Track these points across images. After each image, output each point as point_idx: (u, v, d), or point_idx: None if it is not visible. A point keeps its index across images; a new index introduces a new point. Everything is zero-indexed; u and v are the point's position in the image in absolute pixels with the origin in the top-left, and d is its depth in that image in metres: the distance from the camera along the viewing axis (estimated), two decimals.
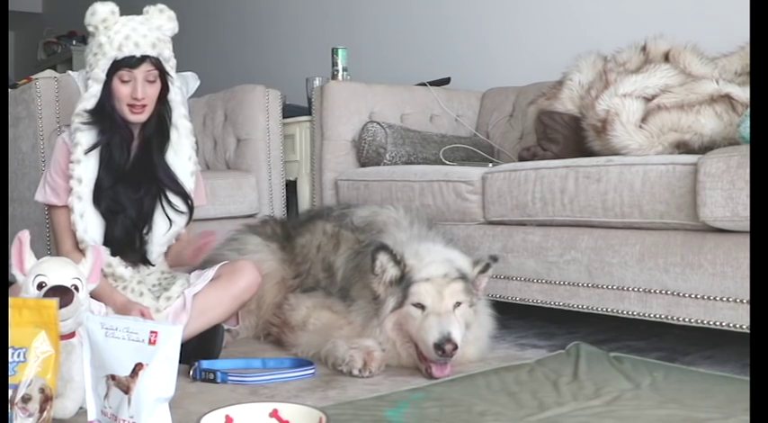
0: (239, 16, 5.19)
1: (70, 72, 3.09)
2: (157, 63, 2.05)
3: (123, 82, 2.03)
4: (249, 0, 5.10)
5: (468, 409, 1.67)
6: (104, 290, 1.98)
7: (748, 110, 2.05)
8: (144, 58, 2.02)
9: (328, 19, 4.50)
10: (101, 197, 2.06)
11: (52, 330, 1.49)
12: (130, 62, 2.01)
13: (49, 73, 3.10)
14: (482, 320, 2.15)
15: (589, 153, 2.42)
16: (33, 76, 2.99)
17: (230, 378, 1.89)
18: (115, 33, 2.01)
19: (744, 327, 1.88)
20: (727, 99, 2.24)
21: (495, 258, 2.14)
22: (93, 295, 1.83)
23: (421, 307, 1.99)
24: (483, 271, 2.11)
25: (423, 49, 3.95)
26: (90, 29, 2.04)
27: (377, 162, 3.01)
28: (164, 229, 2.14)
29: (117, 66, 2.02)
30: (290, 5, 4.79)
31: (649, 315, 2.07)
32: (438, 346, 1.90)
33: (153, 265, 2.17)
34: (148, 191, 2.11)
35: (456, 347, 1.91)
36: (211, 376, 1.90)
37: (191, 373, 1.92)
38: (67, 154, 2.08)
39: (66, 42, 6.98)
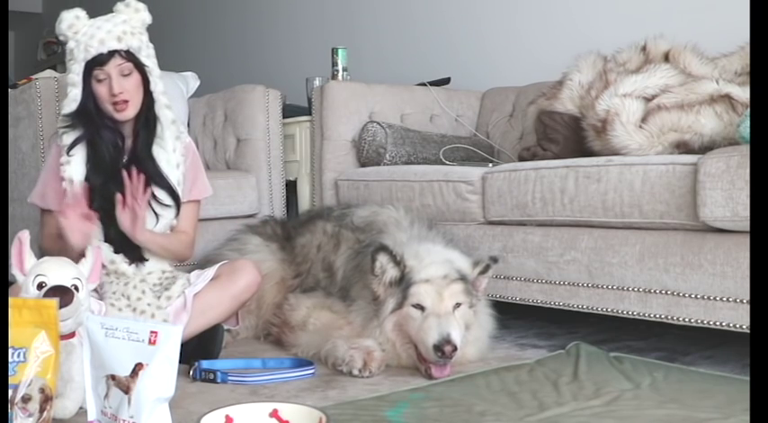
0: (239, 16, 5.19)
1: None
2: (128, 55, 2.05)
3: (99, 81, 2.04)
4: (249, 0, 5.10)
5: (468, 409, 1.67)
6: None
7: (748, 110, 2.05)
8: (112, 53, 2.02)
9: (328, 19, 4.50)
10: (92, 197, 2.06)
11: (52, 330, 1.49)
12: (100, 60, 2.02)
13: (49, 73, 3.10)
14: (482, 321, 2.15)
15: (589, 153, 2.42)
16: (33, 76, 2.99)
17: (230, 378, 1.89)
18: (82, 36, 2.03)
19: (744, 327, 1.88)
20: (727, 99, 2.24)
21: (495, 259, 2.14)
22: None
23: (420, 308, 1.99)
24: (483, 272, 2.11)
25: (423, 49, 3.95)
26: (61, 38, 2.07)
27: (377, 162, 3.01)
28: (151, 224, 2.13)
29: (90, 67, 2.03)
30: (289, 5, 4.79)
31: (649, 315, 2.07)
32: (437, 348, 1.90)
33: (147, 260, 2.15)
34: None
35: (455, 349, 1.91)
36: (211, 376, 1.90)
37: (191, 373, 1.92)
38: (59, 157, 2.10)
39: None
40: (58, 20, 2.06)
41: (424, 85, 3.49)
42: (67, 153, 2.07)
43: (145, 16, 2.11)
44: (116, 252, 2.10)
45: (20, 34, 8.24)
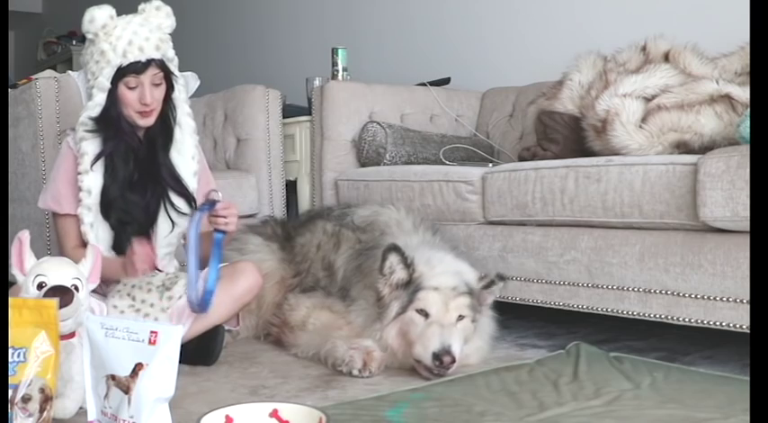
0: (239, 16, 5.19)
1: (70, 72, 3.10)
2: (162, 65, 2.03)
3: (130, 88, 1.99)
4: (249, 0, 5.10)
5: (468, 409, 1.67)
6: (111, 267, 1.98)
7: (748, 110, 2.05)
8: (149, 62, 1.99)
9: (328, 19, 4.50)
10: (110, 208, 2.03)
11: (52, 330, 1.49)
12: (136, 68, 1.98)
13: (49, 73, 3.10)
14: (483, 324, 2.14)
15: (589, 153, 2.42)
16: (33, 76, 2.99)
17: None
18: (117, 39, 1.96)
19: (744, 327, 1.88)
20: (727, 99, 2.24)
21: (502, 277, 2.11)
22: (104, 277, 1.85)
23: (424, 314, 1.98)
24: (487, 287, 2.09)
25: (423, 49, 3.95)
26: (89, 36, 1.99)
27: (377, 162, 3.01)
28: (165, 232, 2.12)
29: (122, 72, 1.98)
30: (289, 5, 4.79)
31: (649, 315, 2.07)
32: (436, 356, 1.89)
33: (160, 271, 2.15)
34: (154, 192, 2.08)
35: (454, 361, 1.90)
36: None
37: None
38: (73, 160, 2.05)
39: (66, 42, 6.98)
40: (89, 17, 1.96)
41: (424, 85, 3.49)
42: (90, 167, 2.02)
43: (173, 22, 2.06)
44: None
45: (20, 34, 8.24)
